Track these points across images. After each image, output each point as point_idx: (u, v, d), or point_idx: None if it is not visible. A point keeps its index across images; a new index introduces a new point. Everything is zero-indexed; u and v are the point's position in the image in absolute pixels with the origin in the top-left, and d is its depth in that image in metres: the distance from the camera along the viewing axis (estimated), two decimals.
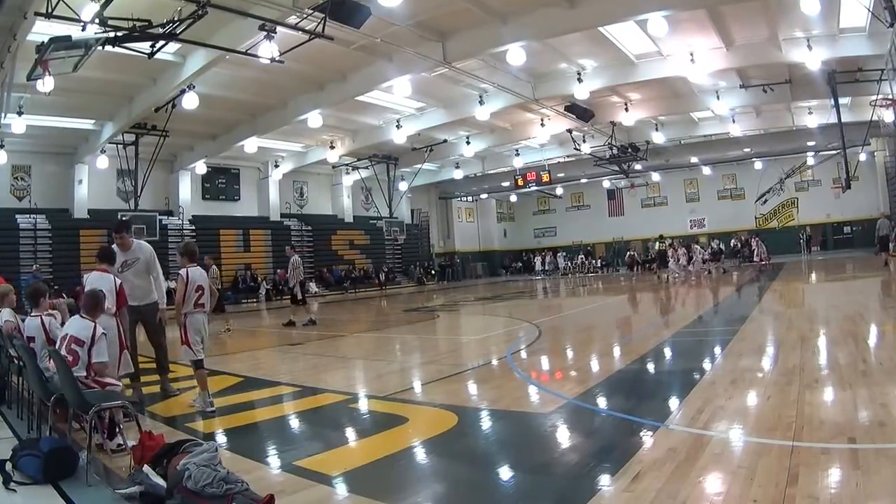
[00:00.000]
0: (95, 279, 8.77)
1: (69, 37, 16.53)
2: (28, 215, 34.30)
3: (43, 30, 17.64)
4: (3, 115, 23.59)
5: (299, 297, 22.45)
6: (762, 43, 24.98)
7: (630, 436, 6.57)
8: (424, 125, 35.58)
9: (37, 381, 7.49)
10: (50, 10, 15.68)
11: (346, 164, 46.52)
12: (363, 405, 9.37)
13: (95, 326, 7.53)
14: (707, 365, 10.38)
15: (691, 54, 25.31)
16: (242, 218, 44.74)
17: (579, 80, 27.53)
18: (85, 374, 7.25)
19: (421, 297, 37.24)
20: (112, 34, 16.96)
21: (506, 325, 20.16)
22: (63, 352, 7.11)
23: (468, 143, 40.35)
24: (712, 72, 27.20)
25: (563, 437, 7.01)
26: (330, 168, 48.15)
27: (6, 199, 34.63)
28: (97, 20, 16.24)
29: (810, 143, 44.19)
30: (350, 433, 7.81)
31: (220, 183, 44.42)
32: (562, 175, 51.45)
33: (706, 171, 54.28)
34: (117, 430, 7.10)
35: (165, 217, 38.87)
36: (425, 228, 59.06)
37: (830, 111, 31.56)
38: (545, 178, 46.24)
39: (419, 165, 45.36)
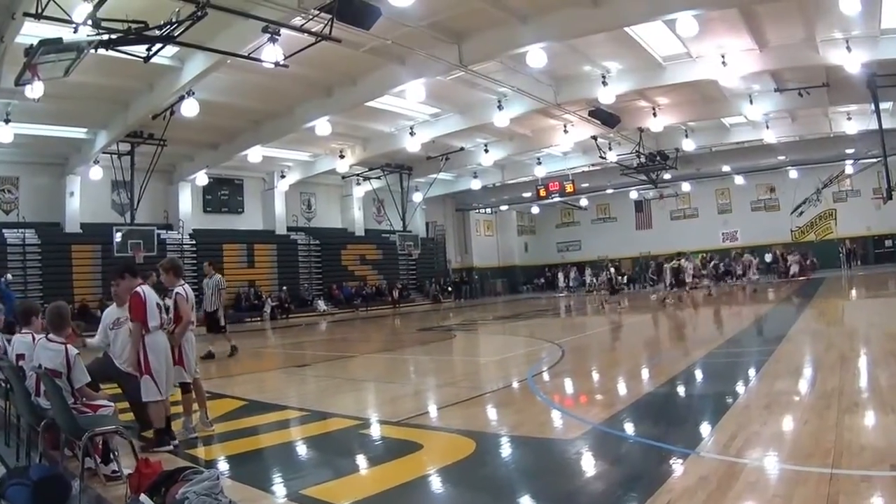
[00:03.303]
0: (150, 292, 8.68)
1: (60, 39, 16.34)
2: (16, 229, 34.25)
3: (32, 31, 17.61)
4: None
5: (221, 322, 20.24)
6: (798, 44, 24.81)
7: (659, 463, 6.56)
8: (440, 132, 35.38)
9: (26, 406, 7.49)
10: (40, 10, 15.61)
11: (357, 174, 46.37)
12: (375, 431, 9.34)
13: (67, 349, 7.40)
14: (741, 388, 10.33)
15: (722, 56, 25.11)
16: (246, 232, 44.78)
17: (604, 83, 27.38)
18: (73, 400, 7.21)
19: (437, 316, 37.21)
20: (106, 36, 16.82)
21: (527, 345, 20.12)
22: (44, 387, 7.14)
23: (486, 151, 40.21)
24: (745, 74, 27.03)
25: (588, 464, 6.99)
26: (339, 178, 48.04)
27: None
28: (90, 21, 16.12)
29: (849, 151, 43.66)
30: (360, 460, 7.81)
31: (223, 195, 44.43)
32: (586, 185, 51.34)
33: (739, 180, 53.96)
34: (112, 456, 7.08)
35: (164, 231, 38.77)
36: (441, 242, 58.97)
37: (871, 117, 31.29)
38: (569, 188, 46.28)
39: (434, 175, 45.61)
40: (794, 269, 42.11)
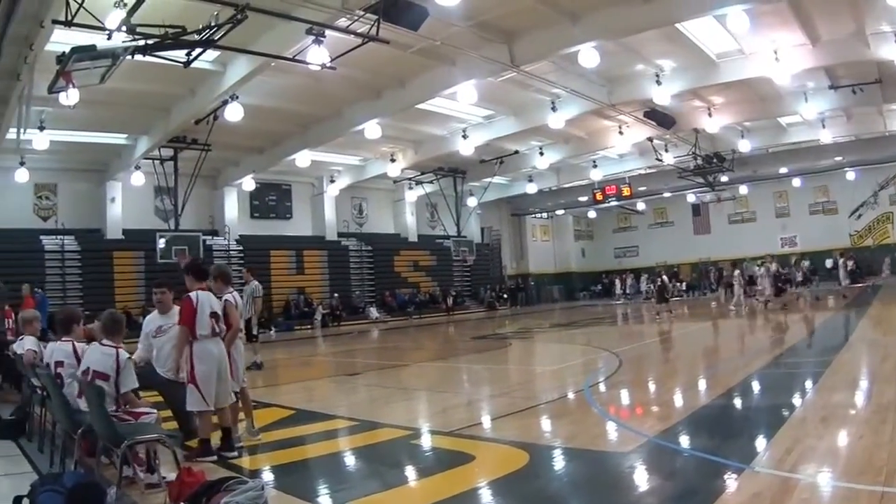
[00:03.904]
0: (206, 298, 8.64)
1: (94, 46, 16.46)
2: (55, 236, 34.47)
3: (63, 39, 17.62)
4: (22, 130, 23.55)
5: (254, 332, 18.60)
6: (848, 38, 24.27)
7: (713, 478, 6.52)
8: (493, 135, 35.28)
9: (63, 412, 7.53)
10: (69, 17, 15.42)
11: (409, 179, 46.11)
12: (425, 441, 9.37)
13: (118, 353, 7.49)
14: (797, 400, 10.26)
15: (775, 52, 24.69)
16: (295, 238, 44.68)
17: (658, 82, 27.25)
18: (115, 407, 7.28)
19: (491, 324, 37.22)
20: (142, 42, 16.91)
21: (583, 354, 20.10)
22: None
23: (541, 153, 39.94)
24: (798, 71, 26.43)
25: (642, 478, 6.96)
26: (391, 183, 48.15)
27: (29, 220, 34.78)
28: (124, 28, 16.08)
29: None
30: (410, 472, 7.84)
31: (270, 200, 44.48)
32: (643, 188, 50.97)
33: (796, 182, 52.98)
34: (153, 464, 7.10)
35: (210, 237, 38.80)
36: (496, 248, 58.65)
37: None
38: (626, 191, 45.97)
39: (489, 179, 45.29)
40: (843, 274, 41.34)
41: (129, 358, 7.70)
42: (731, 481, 6.33)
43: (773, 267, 33.27)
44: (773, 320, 26.59)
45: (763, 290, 32.90)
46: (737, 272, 35.69)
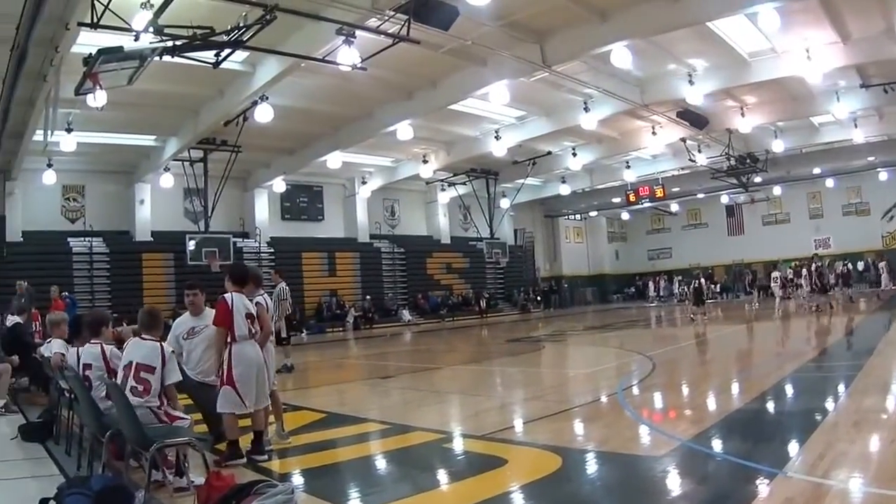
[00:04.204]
0: (240, 300, 8.61)
1: (121, 48, 16.57)
2: (82, 238, 34.74)
3: (90, 41, 17.68)
4: (49, 132, 23.52)
5: (283, 334, 18.29)
6: (879, 36, 24.05)
7: (745, 483, 6.51)
8: (526, 135, 35.31)
9: (90, 415, 7.57)
10: (95, 19, 15.50)
11: (442, 180, 46.29)
12: (457, 445, 9.41)
13: (162, 346, 7.52)
14: (830, 404, 10.21)
15: (807, 50, 24.53)
16: (327, 239, 44.80)
17: (690, 82, 27.28)
18: (158, 403, 7.28)
19: (525, 326, 37.23)
20: (170, 43, 17.01)
21: (617, 357, 20.11)
22: (132, 382, 7.16)
23: (574, 154, 39.84)
24: (830, 70, 26.21)
25: (675, 483, 6.96)
26: (423, 184, 48.29)
27: (57, 222, 35.04)
28: (151, 29, 16.19)
29: None
30: (442, 476, 7.83)
31: (302, 202, 44.55)
32: (676, 189, 50.72)
33: (829, 183, 52.48)
34: (182, 467, 7.04)
35: (240, 239, 38.99)
36: (530, 250, 58.60)
37: None
38: (659, 192, 45.86)
39: (522, 180, 45.18)
40: (886, 278, 40.90)
41: (172, 351, 7.78)
42: (763, 486, 6.31)
43: (821, 264, 33.03)
44: (806, 322, 26.46)
45: (807, 290, 32.72)
46: (776, 273, 35.54)
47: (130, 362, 7.34)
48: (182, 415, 7.58)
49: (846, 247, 52.00)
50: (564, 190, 49.30)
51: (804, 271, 33.14)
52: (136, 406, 6.95)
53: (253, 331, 8.53)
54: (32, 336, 16.12)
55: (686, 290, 48.41)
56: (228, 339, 8.36)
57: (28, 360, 13.81)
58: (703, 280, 35.58)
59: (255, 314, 8.70)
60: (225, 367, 8.33)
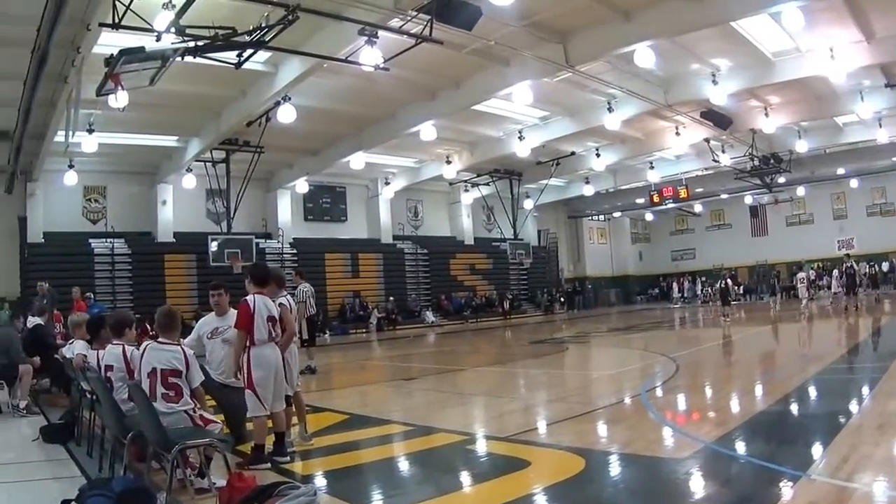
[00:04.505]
0: (263, 303, 8.52)
1: (142, 48, 16.56)
2: (104, 239, 34.85)
3: (111, 41, 17.65)
4: (70, 133, 23.53)
5: (304, 335, 17.86)
6: None
7: (769, 486, 6.51)
8: (549, 136, 35.27)
9: (112, 417, 7.59)
10: (117, 20, 15.56)
11: (465, 181, 46.28)
12: (480, 446, 9.39)
13: (183, 348, 7.51)
14: (854, 407, 10.17)
15: (831, 49, 24.36)
16: (350, 240, 44.76)
17: (714, 82, 27.14)
18: (192, 405, 7.31)
19: (549, 328, 37.14)
20: (192, 44, 17.06)
21: (641, 358, 20.07)
22: (162, 389, 7.12)
23: (598, 155, 39.77)
24: (854, 69, 26.08)
25: (698, 486, 6.95)
26: (447, 185, 48.14)
27: (78, 223, 35.16)
28: (173, 29, 16.23)
29: None
30: (465, 477, 7.84)
31: (325, 202, 44.55)
32: (700, 190, 50.41)
33: (854, 183, 52.03)
34: (205, 469, 7.04)
35: (263, 240, 38.98)
36: (553, 251, 58.43)
37: None
38: (682, 193, 45.56)
39: (545, 181, 45.19)
40: None
41: (193, 353, 7.73)
42: (786, 489, 6.31)
43: (851, 265, 32.84)
44: (832, 324, 26.35)
45: (840, 291, 32.59)
46: (801, 274, 35.44)
47: (154, 369, 7.26)
48: (214, 418, 7.62)
49: (870, 248, 51.56)
50: (588, 191, 49.09)
51: (836, 272, 33.00)
52: (171, 412, 7.02)
53: (273, 334, 8.50)
54: (54, 338, 16.18)
55: (710, 290, 48.32)
56: (247, 343, 8.35)
57: (49, 362, 13.91)
58: (728, 280, 35.51)
59: (277, 317, 8.66)
60: (245, 370, 8.32)
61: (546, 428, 10.50)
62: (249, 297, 8.49)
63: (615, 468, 7.78)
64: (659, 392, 13.06)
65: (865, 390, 11.42)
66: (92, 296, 27.08)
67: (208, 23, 17.02)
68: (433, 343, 32.32)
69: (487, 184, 46.04)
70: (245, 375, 8.31)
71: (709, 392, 13.42)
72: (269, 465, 8.16)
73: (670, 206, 52.62)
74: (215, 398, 9.42)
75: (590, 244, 63.28)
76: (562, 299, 55.92)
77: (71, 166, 31.13)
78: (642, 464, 7.80)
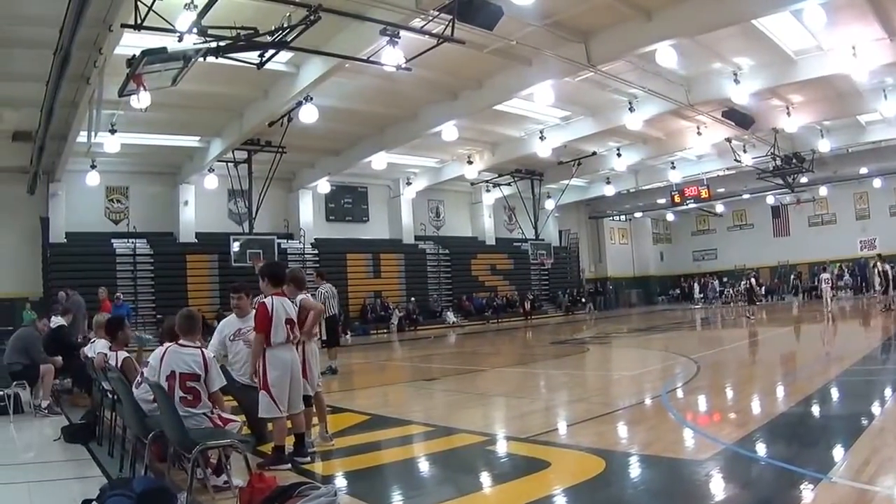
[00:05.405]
0: (281, 304, 8.38)
1: (164, 49, 16.63)
2: (126, 239, 35.03)
3: (133, 42, 17.74)
4: (93, 133, 23.68)
5: (322, 336, 16.55)
6: None
7: (790, 488, 6.50)
8: (571, 136, 35.22)
9: (133, 417, 7.62)
10: (139, 21, 15.63)
11: (487, 181, 46.31)
12: (501, 447, 9.38)
13: (202, 351, 7.47)
14: (876, 409, 10.11)
15: (853, 47, 24.22)
16: (372, 241, 44.80)
17: (736, 81, 27.00)
18: (210, 408, 7.31)
19: (570, 328, 37.01)
20: (214, 44, 17.13)
21: (662, 359, 20.00)
22: (180, 392, 7.10)
23: (619, 155, 39.77)
24: (877, 67, 25.79)
25: (718, 487, 6.92)
26: (468, 185, 48.22)
27: (100, 223, 35.41)
28: (195, 30, 16.31)
29: None
30: (485, 478, 7.83)
31: (346, 203, 44.60)
32: (721, 190, 50.17)
33: (877, 183, 51.29)
34: (226, 469, 7.03)
35: (285, 241, 39.10)
36: (575, 251, 58.20)
37: None
38: (704, 193, 45.54)
39: (566, 181, 45.15)
40: None
41: (214, 357, 7.75)
42: (807, 492, 6.29)
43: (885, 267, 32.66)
44: (855, 324, 26.22)
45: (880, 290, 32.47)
46: (825, 275, 35.33)
47: (173, 372, 7.24)
48: (233, 417, 7.65)
49: (893, 248, 50.39)
50: (609, 191, 49.02)
51: (876, 270, 32.85)
52: (189, 416, 7.02)
53: (292, 336, 8.45)
54: (76, 338, 16.25)
55: (732, 291, 48.12)
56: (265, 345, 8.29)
57: (71, 362, 14.01)
58: (753, 281, 35.43)
59: (295, 319, 8.60)
60: (261, 371, 8.26)
61: (566, 429, 10.46)
62: (267, 300, 8.41)
63: (635, 469, 7.76)
64: (679, 393, 13.00)
65: (888, 392, 11.34)
66: (121, 296, 27.11)
67: (230, 23, 17.14)
68: (454, 343, 32.31)
69: (509, 184, 46.07)
70: (260, 376, 8.26)
71: (729, 393, 13.33)
72: (289, 465, 8.14)
73: (692, 206, 52.61)
74: (237, 399, 9.46)
75: (611, 244, 63.05)
76: (583, 300, 55.69)
77: (93, 167, 31.43)
78: (663, 465, 7.78)
